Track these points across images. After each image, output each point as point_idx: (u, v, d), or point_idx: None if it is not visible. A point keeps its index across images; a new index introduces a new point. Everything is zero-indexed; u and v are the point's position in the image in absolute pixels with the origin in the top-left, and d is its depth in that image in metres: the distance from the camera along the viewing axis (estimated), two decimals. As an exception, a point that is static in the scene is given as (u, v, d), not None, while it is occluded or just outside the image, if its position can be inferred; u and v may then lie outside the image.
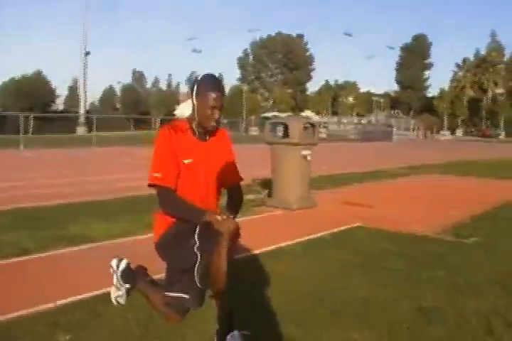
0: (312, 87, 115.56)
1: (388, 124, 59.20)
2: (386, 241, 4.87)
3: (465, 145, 39.62)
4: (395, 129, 50.89)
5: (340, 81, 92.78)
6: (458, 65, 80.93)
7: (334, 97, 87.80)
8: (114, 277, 2.95)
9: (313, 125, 6.88)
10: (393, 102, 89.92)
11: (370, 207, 7.03)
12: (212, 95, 2.48)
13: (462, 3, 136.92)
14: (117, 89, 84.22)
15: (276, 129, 7.03)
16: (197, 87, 2.50)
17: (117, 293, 2.94)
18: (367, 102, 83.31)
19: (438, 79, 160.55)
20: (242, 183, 2.77)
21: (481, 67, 76.57)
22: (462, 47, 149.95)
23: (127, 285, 2.90)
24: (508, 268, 4.08)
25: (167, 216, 2.54)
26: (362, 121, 65.99)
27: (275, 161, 6.80)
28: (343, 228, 5.45)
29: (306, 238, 4.90)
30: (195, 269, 2.41)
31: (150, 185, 2.52)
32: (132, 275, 2.92)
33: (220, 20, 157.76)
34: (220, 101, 2.48)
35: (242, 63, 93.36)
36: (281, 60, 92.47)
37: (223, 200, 2.76)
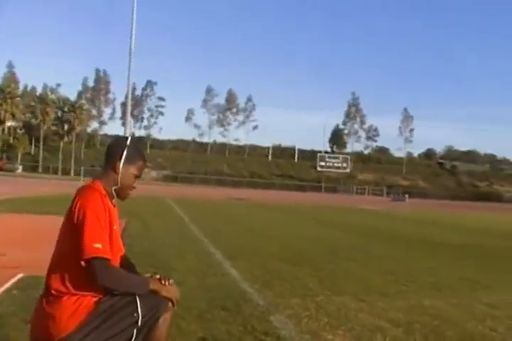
0: None
1: None
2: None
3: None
4: None
5: None
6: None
7: None
8: None
9: None
10: None
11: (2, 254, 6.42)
12: (142, 165, 2.36)
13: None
14: None
15: None
16: (128, 153, 2.28)
17: None
18: None
19: None
20: None
21: (-2, 97, 75.56)
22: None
23: None
24: (207, 293, 4.77)
25: (86, 297, 2.09)
26: None
27: None
28: (11, 283, 4.85)
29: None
30: None
31: (87, 259, 2.04)
32: None
33: None
34: (144, 169, 2.38)
35: None
36: None
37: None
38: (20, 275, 5.12)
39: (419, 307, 4.79)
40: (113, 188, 2.29)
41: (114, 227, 2.24)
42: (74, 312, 2.08)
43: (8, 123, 78.63)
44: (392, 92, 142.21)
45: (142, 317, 2.11)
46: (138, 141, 2.33)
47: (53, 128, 79.83)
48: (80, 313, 2.08)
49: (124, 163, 2.27)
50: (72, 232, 2.11)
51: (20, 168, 69.51)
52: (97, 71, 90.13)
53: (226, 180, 76.93)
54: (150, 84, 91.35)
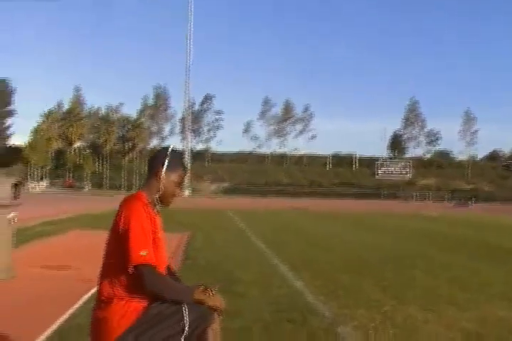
0: None
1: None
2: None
3: (64, 197, 39.98)
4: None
5: None
6: (44, 115, 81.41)
7: None
8: None
9: (17, 184, 6.20)
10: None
11: (71, 268, 6.79)
12: (185, 173, 2.47)
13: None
14: None
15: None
16: (170, 162, 2.40)
17: None
18: None
19: (21, 128, 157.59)
20: None
21: (67, 120, 79.43)
22: (46, 96, 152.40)
23: None
24: (272, 305, 4.83)
25: (133, 302, 2.20)
26: None
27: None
28: (88, 295, 5.11)
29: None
30: None
31: (134, 266, 2.16)
32: None
33: None
34: (185, 177, 2.50)
35: None
36: None
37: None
38: (95, 288, 5.36)
39: (491, 318, 4.61)
40: (156, 196, 2.40)
41: (159, 235, 2.34)
42: (123, 316, 2.19)
43: (76, 144, 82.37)
44: (453, 94, 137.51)
45: (189, 326, 2.19)
46: (181, 151, 2.47)
47: (116, 146, 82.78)
48: (128, 317, 2.19)
49: (165, 171, 2.39)
50: (118, 241, 2.24)
51: (87, 186, 72.44)
52: (156, 88, 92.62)
53: (285, 190, 76.85)
54: (208, 98, 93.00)
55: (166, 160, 2.39)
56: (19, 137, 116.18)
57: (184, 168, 2.46)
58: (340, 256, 8.72)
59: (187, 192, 65.60)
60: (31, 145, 74.53)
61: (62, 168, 79.52)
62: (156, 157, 2.45)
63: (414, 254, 9.28)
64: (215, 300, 2.27)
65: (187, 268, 6.89)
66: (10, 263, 6.06)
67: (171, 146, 2.48)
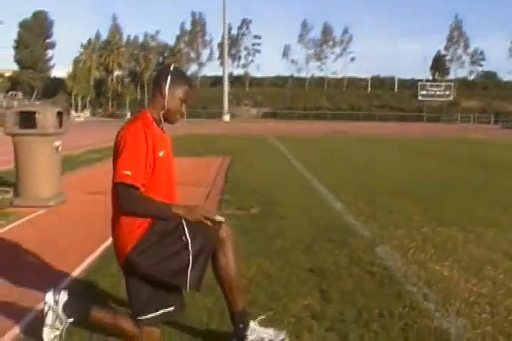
0: None
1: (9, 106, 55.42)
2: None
3: (107, 126, 40.80)
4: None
5: None
6: (83, 46, 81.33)
7: None
8: (51, 315, 2.35)
9: (60, 113, 6.30)
10: (12, 83, 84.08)
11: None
12: (188, 89, 2.44)
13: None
14: None
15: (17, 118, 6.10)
16: (171, 78, 2.38)
17: (54, 333, 2.37)
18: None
19: (61, 59, 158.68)
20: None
21: (106, 49, 79.22)
22: (84, 27, 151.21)
23: (70, 320, 2.38)
24: (312, 226, 4.93)
25: (138, 218, 2.25)
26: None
27: (22, 155, 6.00)
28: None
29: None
30: (189, 271, 2.23)
31: (116, 184, 2.21)
32: (77, 306, 2.40)
33: None
34: (191, 95, 2.45)
35: None
36: None
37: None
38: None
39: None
40: (161, 113, 2.40)
41: (160, 154, 2.31)
42: (131, 231, 2.25)
43: (116, 73, 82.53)
44: (499, 9, 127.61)
45: (192, 243, 2.22)
46: (181, 68, 2.50)
47: (155, 73, 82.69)
48: (135, 232, 2.25)
49: (169, 87, 2.37)
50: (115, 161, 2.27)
51: (128, 114, 73.33)
52: (193, 14, 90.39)
53: (326, 114, 75.82)
54: (245, 22, 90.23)
55: (169, 76, 2.37)
56: (61, 68, 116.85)
57: (189, 84, 2.44)
58: (382, 179, 8.70)
59: (227, 117, 65.57)
60: (72, 75, 75.17)
61: (103, 97, 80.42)
62: (160, 74, 2.44)
63: (457, 178, 9.15)
64: (195, 213, 2.25)
65: (228, 191, 7.04)
66: (59, 189, 6.33)
67: (173, 64, 2.49)
